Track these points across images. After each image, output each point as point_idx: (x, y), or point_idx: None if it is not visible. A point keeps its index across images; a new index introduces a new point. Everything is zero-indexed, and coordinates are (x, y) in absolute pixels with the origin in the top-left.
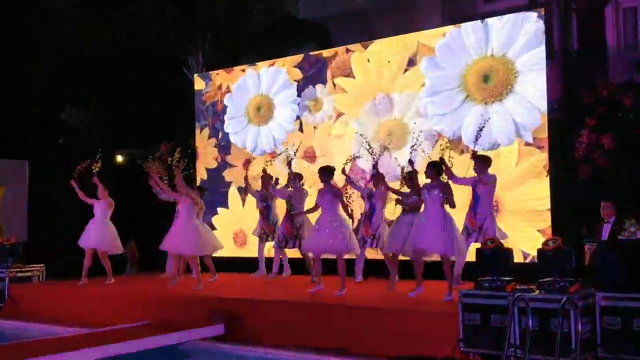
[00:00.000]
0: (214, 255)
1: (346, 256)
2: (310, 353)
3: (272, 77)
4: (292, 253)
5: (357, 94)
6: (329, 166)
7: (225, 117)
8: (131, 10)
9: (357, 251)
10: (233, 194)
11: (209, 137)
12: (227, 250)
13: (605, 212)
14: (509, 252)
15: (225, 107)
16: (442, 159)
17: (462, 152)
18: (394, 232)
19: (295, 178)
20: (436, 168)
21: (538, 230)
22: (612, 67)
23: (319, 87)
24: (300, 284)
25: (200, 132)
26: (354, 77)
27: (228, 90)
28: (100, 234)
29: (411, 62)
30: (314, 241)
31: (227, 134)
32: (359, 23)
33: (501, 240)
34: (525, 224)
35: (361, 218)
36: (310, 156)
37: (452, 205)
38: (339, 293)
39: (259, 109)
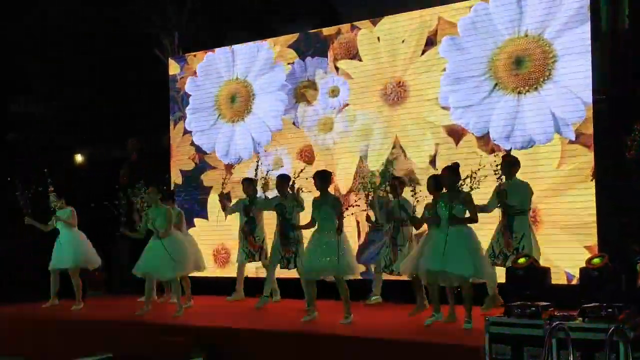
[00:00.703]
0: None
1: (351, 277)
2: None
3: (250, 56)
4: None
5: (364, 80)
6: (325, 171)
7: (187, 111)
8: None
9: (356, 272)
10: (213, 201)
11: (184, 133)
12: (207, 270)
13: None
14: (545, 272)
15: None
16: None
17: (491, 151)
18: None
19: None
20: (455, 174)
21: (586, 247)
22: None
23: (317, 71)
24: (294, 309)
25: (174, 127)
26: (360, 60)
27: None
28: (69, 250)
29: (430, 42)
30: (306, 260)
31: (191, 132)
32: None
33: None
34: (570, 239)
35: (387, 237)
36: (308, 156)
37: (474, 219)
38: (344, 321)
39: (232, 99)
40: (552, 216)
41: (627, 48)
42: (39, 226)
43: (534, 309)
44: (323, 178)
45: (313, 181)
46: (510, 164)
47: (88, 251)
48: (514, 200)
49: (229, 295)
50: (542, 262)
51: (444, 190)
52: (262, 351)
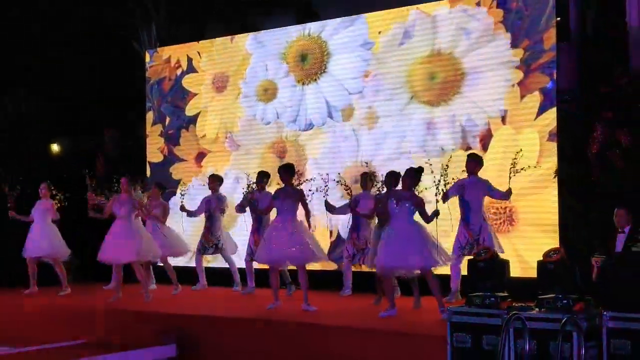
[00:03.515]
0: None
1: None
2: None
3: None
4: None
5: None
6: (289, 164)
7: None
8: None
9: (322, 259)
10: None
11: (154, 124)
12: (174, 260)
13: (618, 220)
14: (504, 264)
15: (174, 87)
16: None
17: (467, 148)
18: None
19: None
20: (416, 178)
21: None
22: (635, 53)
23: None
24: (265, 298)
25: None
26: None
27: (178, 65)
28: (43, 239)
29: (407, 34)
30: (268, 250)
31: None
32: None
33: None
34: (544, 236)
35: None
36: (279, 150)
37: (428, 220)
38: (308, 308)
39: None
40: (527, 214)
41: (592, 49)
42: (23, 219)
43: (493, 299)
44: (288, 171)
45: (279, 175)
46: (474, 162)
47: (59, 243)
48: (471, 195)
49: (193, 285)
50: (517, 259)
51: (399, 187)
52: (234, 337)
